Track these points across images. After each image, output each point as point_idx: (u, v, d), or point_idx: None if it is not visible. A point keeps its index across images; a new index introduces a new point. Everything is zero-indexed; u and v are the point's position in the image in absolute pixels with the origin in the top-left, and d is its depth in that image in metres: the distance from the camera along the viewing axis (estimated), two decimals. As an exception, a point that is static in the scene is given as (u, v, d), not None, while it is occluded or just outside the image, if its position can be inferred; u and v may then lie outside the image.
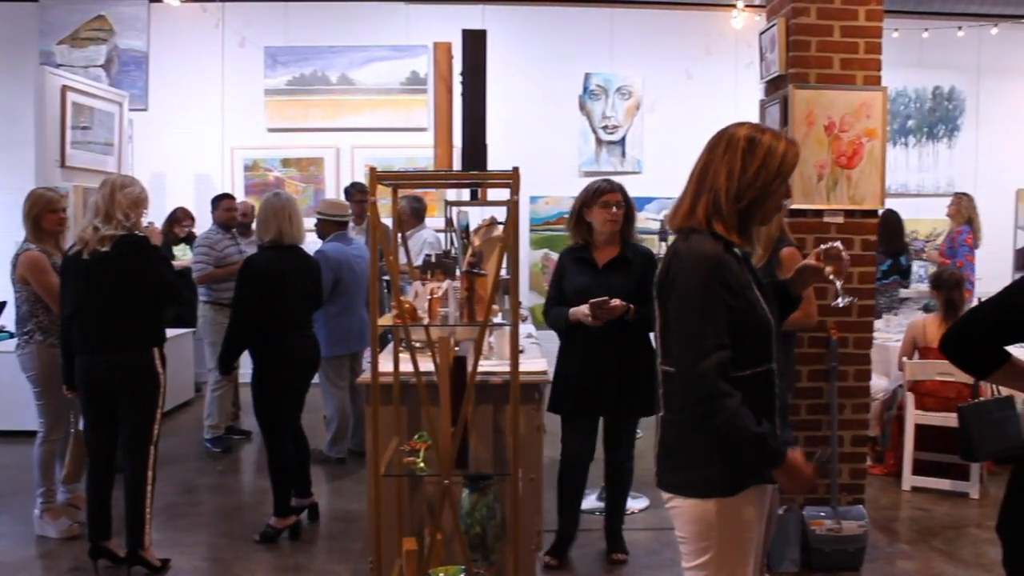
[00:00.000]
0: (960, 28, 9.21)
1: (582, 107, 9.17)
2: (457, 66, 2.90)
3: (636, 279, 4.16)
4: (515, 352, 2.87)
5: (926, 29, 9.16)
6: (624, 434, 4.40)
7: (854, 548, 4.35)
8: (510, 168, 2.75)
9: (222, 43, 9.09)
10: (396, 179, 3.15)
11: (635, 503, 5.23)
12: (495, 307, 3.15)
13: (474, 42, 2.79)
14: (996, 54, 9.64)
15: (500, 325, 3.36)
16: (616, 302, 4.00)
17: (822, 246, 2.59)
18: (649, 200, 9.12)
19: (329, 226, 6.05)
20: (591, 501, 4.87)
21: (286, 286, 4.73)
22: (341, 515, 5.18)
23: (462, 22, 8.31)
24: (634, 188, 8.95)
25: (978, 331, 2.24)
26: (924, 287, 8.35)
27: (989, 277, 8.21)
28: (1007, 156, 9.82)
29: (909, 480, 5.69)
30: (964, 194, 8.28)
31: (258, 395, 4.76)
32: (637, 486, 5.50)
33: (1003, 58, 9.68)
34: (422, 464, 3.15)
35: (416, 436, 3.29)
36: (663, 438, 2.38)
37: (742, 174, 2.28)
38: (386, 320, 3.00)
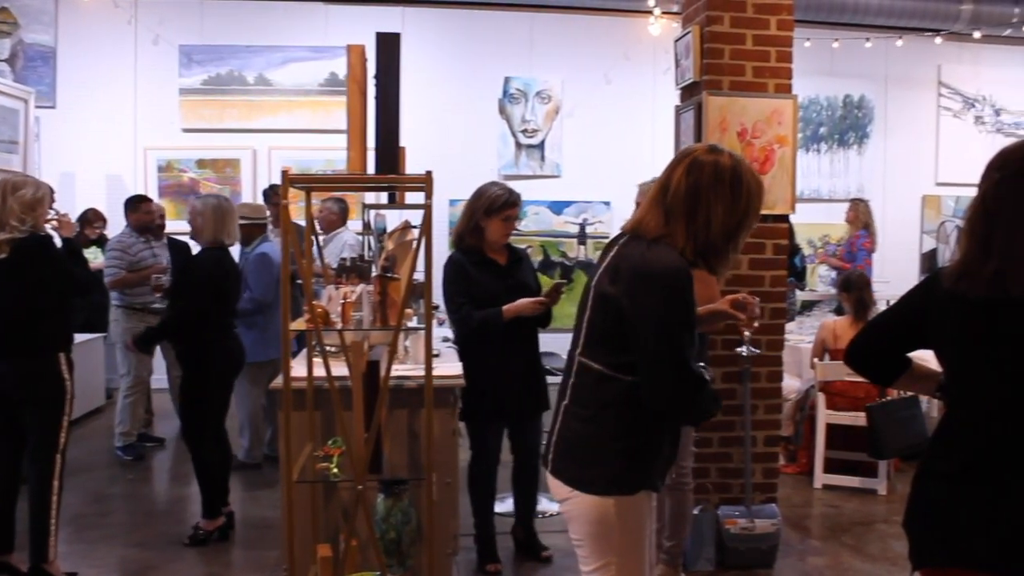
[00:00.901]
0: (868, 39, 9.47)
1: (502, 111, 9.18)
2: (372, 69, 2.88)
3: (533, 276, 4.38)
4: (429, 356, 2.86)
5: (836, 39, 9.40)
6: (533, 433, 4.44)
7: (767, 546, 4.43)
8: (424, 172, 2.74)
9: (135, 40, 8.86)
10: (309, 182, 3.12)
11: (552, 505, 5.25)
12: (409, 311, 3.14)
13: (387, 45, 2.77)
14: (902, 65, 9.94)
15: (414, 329, 3.35)
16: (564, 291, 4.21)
17: (740, 296, 2.63)
18: (568, 204, 9.20)
19: (255, 229, 5.97)
20: (507, 504, 4.86)
21: (230, 287, 4.80)
22: (257, 523, 5.09)
23: (381, 24, 8.25)
24: (553, 192, 9.17)
25: (878, 342, 2.29)
26: (833, 291, 8.61)
27: (897, 280, 8.49)
28: (913, 163, 10.14)
29: (821, 478, 5.83)
30: (861, 200, 8.53)
31: (192, 396, 4.71)
32: (556, 488, 5.54)
33: (908, 69, 10.00)
34: (336, 470, 3.12)
35: (330, 441, 3.25)
36: (565, 429, 2.37)
37: (733, 210, 2.27)
38: (298, 324, 2.96)
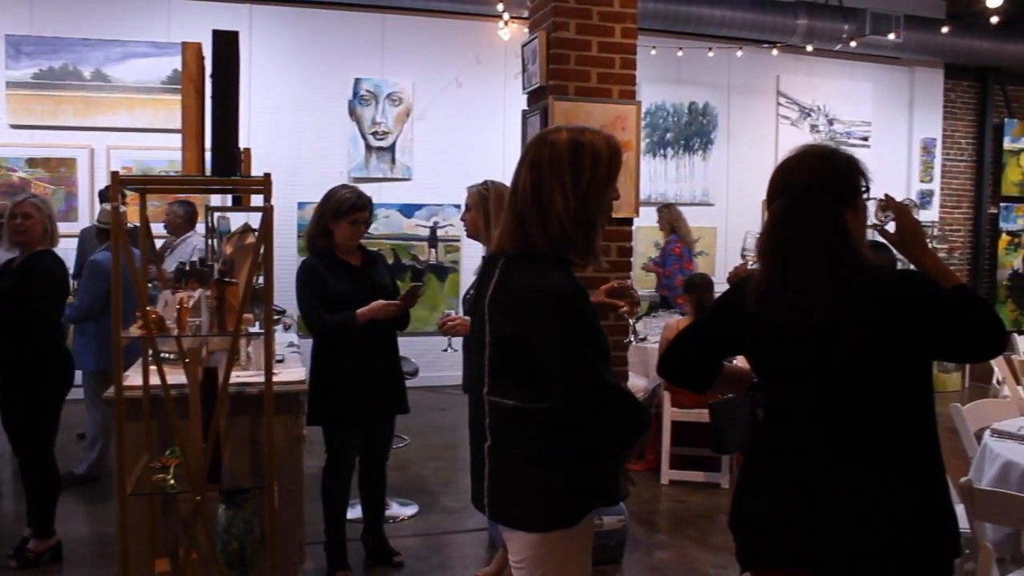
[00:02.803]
0: (710, 49, 9.82)
1: (352, 112, 9.06)
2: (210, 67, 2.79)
3: (391, 278, 4.35)
4: (269, 361, 2.80)
5: (680, 48, 9.70)
6: (385, 436, 4.43)
7: (615, 542, 4.52)
8: (263, 174, 2.67)
9: (-46, 29, 8.32)
10: (142, 184, 3.00)
11: (404, 509, 5.24)
12: (250, 316, 3.06)
13: (225, 43, 2.69)
14: (743, 74, 10.35)
15: (254, 335, 3.27)
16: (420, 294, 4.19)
17: (614, 283, 2.61)
18: (419, 207, 9.16)
19: (104, 235, 5.73)
20: (355, 511, 4.79)
21: (65, 292, 4.65)
22: (94, 540, 4.86)
23: (228, 21, 8.03)
24: (404, 195, 9.12)
25: (688, 354, 2.31)
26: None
27: (738, 281, 8.77)
28: (754, 169, 10.51)
29: (667, 474, 5.99)
30: (666, 206, 8.81)
31: (38, 405, 4.43)
32: (407, 492, 5.52)
33: (749, 78, 10.41)
34: (173, 481, 3.01)
35: (167, 452, 3.14)
36: (496, 472, 2.24)
37: (575, 189, 2.14)
38: (132, 331, 2.85)
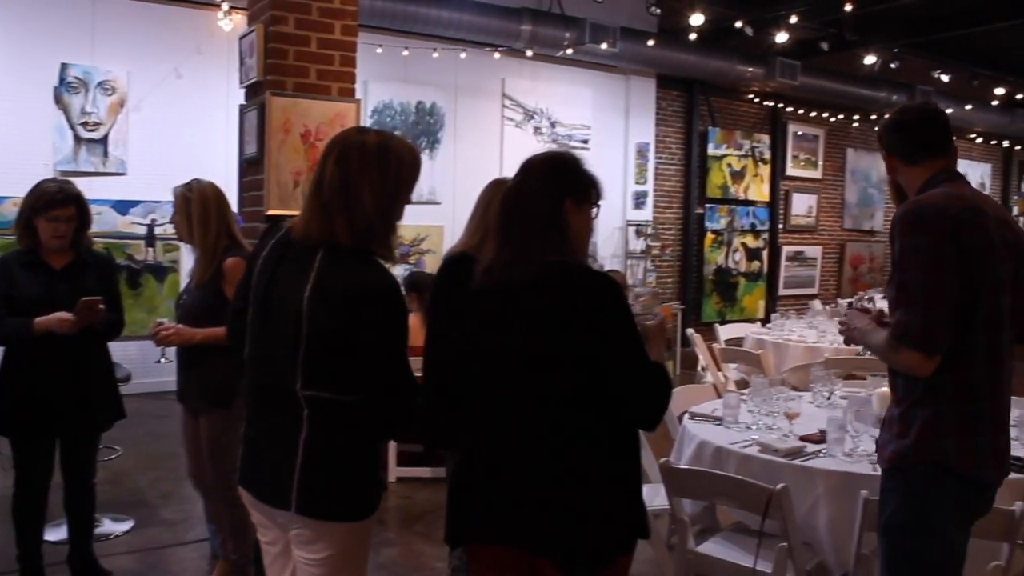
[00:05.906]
0: (435, 50, 9.94)
1: (58, 100, 8.34)
2: None
3: (101, 284, 3.98)
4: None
5: (407, 48, 9.75)
6: (87, 451, 4.15)
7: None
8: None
9: None
10: None
11: (118, 525, 4.95)
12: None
13: None
14: (470, 76, 10.53)
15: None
16: (102, 307, 3.79)
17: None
18: (135, 203, 8.59)
19: None
20: (62, 532, 4.47)
21: None
22: None
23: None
24: (118, 190, 8.59)
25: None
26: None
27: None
28: (480, 168, 10.72)
29: (394, 471, 6.01)
30: None
31: None
32: (121, 507, 5.23)
33: (475, 80, 10.62)
34: None
35: None
36: (308, 463, 2.26)
37: (382, 188, 2.27)
38: None
